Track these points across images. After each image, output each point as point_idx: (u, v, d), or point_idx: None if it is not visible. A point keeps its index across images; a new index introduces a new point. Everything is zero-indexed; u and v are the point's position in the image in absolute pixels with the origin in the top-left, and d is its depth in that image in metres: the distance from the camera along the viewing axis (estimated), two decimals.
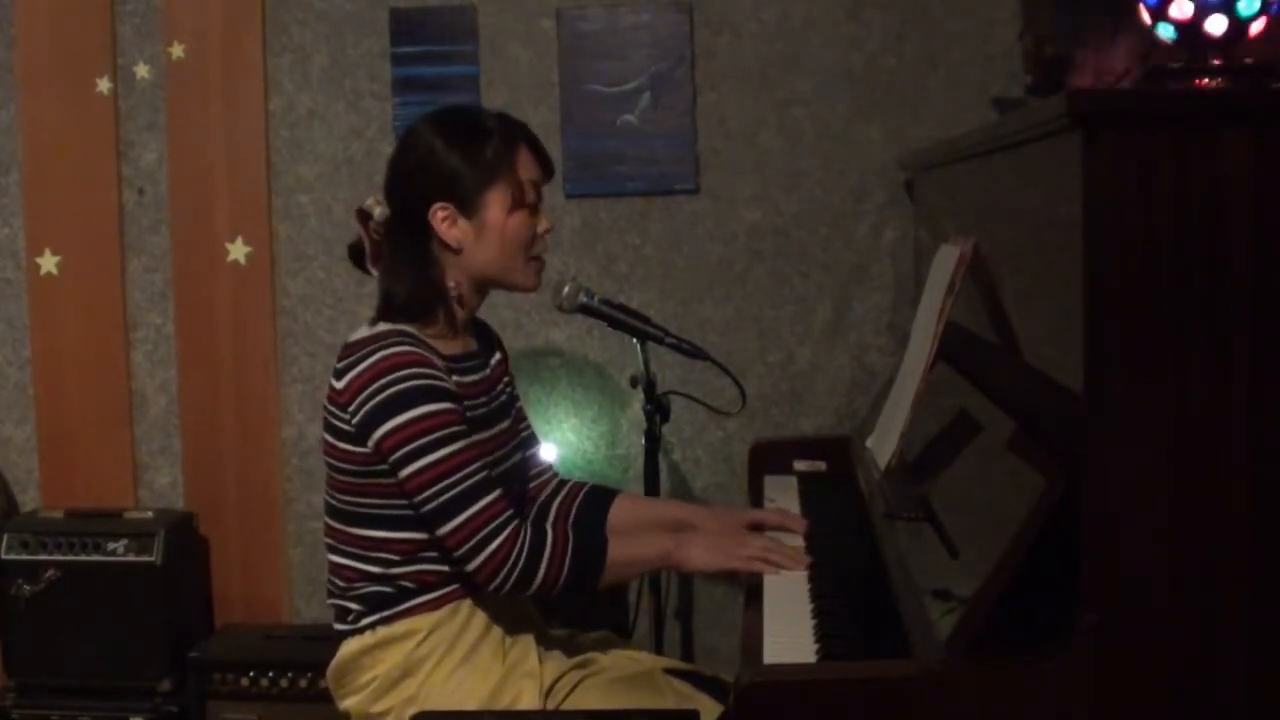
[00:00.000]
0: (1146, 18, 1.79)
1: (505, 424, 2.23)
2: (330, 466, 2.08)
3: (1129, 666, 1.49)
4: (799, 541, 2.24)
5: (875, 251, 3.17)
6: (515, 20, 3.22)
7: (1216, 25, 1.73)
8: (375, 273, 2.17)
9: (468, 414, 2.06)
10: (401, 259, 2.12)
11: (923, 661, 1.58)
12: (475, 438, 2.05)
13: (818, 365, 3.21)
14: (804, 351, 3.21)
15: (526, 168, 2.13)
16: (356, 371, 2.01)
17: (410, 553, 2.05)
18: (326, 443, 2.07)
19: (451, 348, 2.13)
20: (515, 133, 2.14)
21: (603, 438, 3.27)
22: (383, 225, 2.15)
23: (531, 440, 2.38)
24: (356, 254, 2.21)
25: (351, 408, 2.01)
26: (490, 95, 3.20)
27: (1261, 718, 1.50)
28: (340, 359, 2.06)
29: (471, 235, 2.10)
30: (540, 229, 2.16)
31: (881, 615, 1.82)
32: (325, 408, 2.07)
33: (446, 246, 2.10)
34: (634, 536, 2.20)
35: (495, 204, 2.10)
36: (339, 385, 2.04)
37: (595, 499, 2.36)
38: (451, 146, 2.09)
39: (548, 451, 2.47)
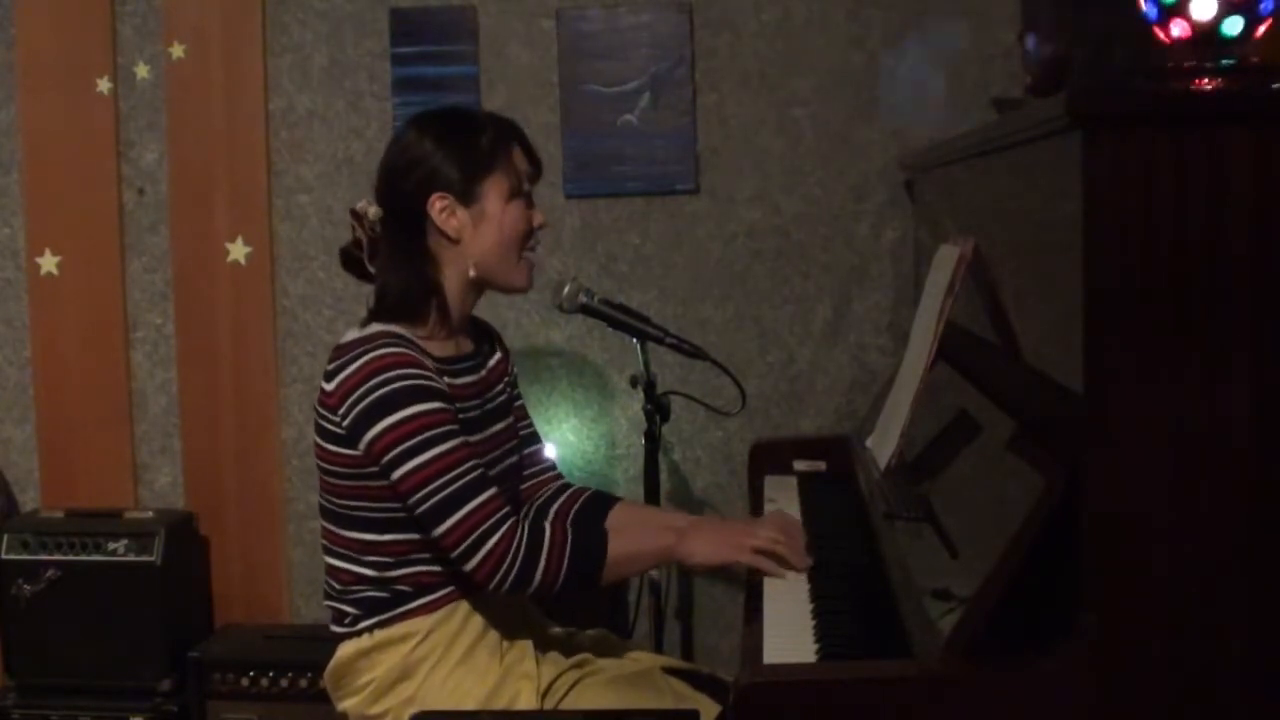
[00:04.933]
0: (1155, 16, 1.78)
1: (501, 426, 2.22)
2: (322, 470, 2.08)
3: (1129, 666, 1.48)
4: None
5: (875, 251, 3.18)
6: (515, 20, 3.22)
7: (1233, 25, 1.73)
8: (374, 272, 2.17)
9: (459, 416, 2.06)
10: (397, 256, 2.12)
11: (923, 661, 1.58)
12: (468, 439, 2.04)
13: (818, 365, 3.21)
14: (804, 351, 3.21)
15: (520, 161, 2.15)
16: (346, 374, 2.01)
17: (404, 554, 2.04)
18: (318, 446, 2.07)
19: (444, 349, 2.13)
20: (507, 128, 2.16)
21: (603, 438, 3.27)
22: (378, 223, 2.15)
23: (533, 438, 2.37)
24: (349, 259, 2.21)
25: (342, 410, 2.01)
26: (490, 95, 3.21)
27: (1261, 718, 1.50)
28: (330, 361, 2.05)
29: (470, 225, 2.10)
30: (536, 222, 2.16)
31: (881, 615, 1.82)
32: (316, 410, 2.07)
33: (445, 237, 2.10)
34: (635, 532, 2.17)
35: (494, 192, 2.10)
36: (329, 388, 2.03)
37: (595, 503, 2.34)
38: (446, 141, 2.10)
39: (548, 451, 2.46)
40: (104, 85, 3.30)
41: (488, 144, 2.11)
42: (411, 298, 2.09)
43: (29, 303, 3.37)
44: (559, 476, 2.40)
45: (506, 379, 2.30)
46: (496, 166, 2.11)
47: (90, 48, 3.30)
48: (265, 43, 3.27)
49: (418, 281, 2.10)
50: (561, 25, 3.19)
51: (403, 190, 2.11)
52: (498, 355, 2.29)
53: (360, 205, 2.17)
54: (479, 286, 2.18)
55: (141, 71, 3.31)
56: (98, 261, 3.34)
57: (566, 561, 2.00)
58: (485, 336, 2.30)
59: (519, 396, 2.36)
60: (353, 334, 2.08)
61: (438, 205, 2.09)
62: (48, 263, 3.35)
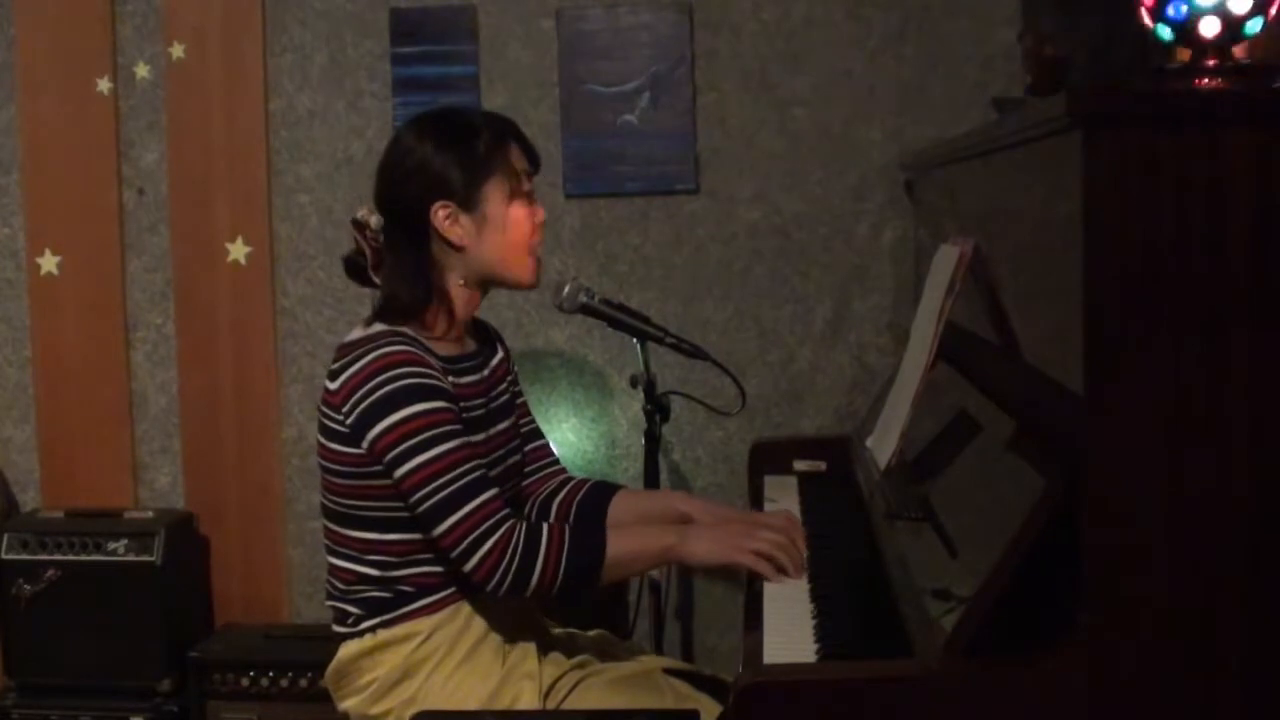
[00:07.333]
0: (1147, 19, 1.79)
1: (504, 425, 2.22)
2: (324, 469, 2.08)
3: (1128, 666, 1.49)
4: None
5: (875, 251, 3.18)
6: (515, 20, 3.22)
7: (1209, 27, 1.73)
8: (379, 281, 2.17)
9: (463, 415, 2.06)
10: (402, 264, 2.11)
11: (923, 661, 1.58)
12: (470, 439, 2.05)
13: (818, 365, 3.21)
14: (804, 351, 3.21)
15: (518, 159, 2.14)
16: (350, 372, 2.01)
17: (407, 554, 2.04)
18: (321, 445, 2.07)
19: (449, 349, 2.13)
20: (503, 127, 2.15)
21: (603, 438, 3.27)
22: (381, 232, 2.15)
23: (535, 434, 2.37)
24: (354, 268, 2.21)
25: (345, 408, 2.01)
26: (490, 95, 3.21)
27: (1261, 718, 1.50)
28: (335, 360, 2.06)
29: (474, 231, 2.10)
30: (538, 219, 2.16)
31: (881, 615, 1.82)
32: (320, 409, 2.07)
33: (449, 245, 2.10)
34: (635, 531, 2.16)
35: (495, 196, 2.10)
36: (333, 386, 2.03)
37: (596, 494, 2.33)
38: (444, 146, 2.09)
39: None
40: (104, 85, 3.30)
41: (485, 147, 2.10)
42: (419, 305, 2.09)
43: (29, 303, 3.37)
44: (562, 470, 2.40)
45: (509, 378, 2.30)
46: (495, 170, 2.10)
47: (90, 48, 3.30)
48: (265, 43, 3.27)
49: (424, 289, 2.10)
50: (561, 25, 3.19)
51: (404, 198, 2.11)
52: (499, 355, 2.29)
53: (361, 214, 2.17)
54: (485, 286, 2.18)
55: (141, 71, 3.31)
56: (98, 261, 3.34)
57: (564, 563, 1.99)
58: (487, 336, 2.30)
59: (520, 393, 2.36)
60: (357, 332, 2.09)
61: (441, 214, 2.08)
62: (48, 263, 3.35)
